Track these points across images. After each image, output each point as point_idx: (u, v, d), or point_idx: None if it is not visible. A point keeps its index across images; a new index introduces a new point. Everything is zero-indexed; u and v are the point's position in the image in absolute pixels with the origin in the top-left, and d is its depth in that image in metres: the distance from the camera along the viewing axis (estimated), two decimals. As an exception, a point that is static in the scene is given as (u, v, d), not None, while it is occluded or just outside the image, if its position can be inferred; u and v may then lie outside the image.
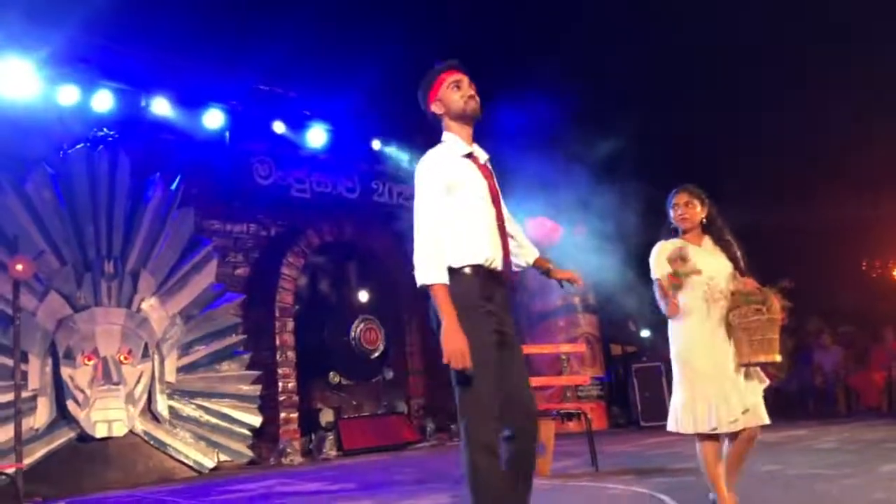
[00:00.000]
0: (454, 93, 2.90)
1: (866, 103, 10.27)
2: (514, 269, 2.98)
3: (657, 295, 3.58)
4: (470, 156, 2.91)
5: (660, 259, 3.57)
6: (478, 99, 2.92)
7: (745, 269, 3.52)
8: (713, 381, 3.35)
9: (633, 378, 11.42)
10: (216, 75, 8.83)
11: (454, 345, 2.64)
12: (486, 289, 2.78)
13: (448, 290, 2.71)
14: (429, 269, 2.73)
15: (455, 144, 2.91)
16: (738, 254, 3.55)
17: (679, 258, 3.47)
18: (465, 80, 2.92)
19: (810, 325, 11.12)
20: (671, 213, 3.63)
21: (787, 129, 10.78)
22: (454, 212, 2.81)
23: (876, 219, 12.50)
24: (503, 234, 2.89)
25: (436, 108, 2.94)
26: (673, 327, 3.54)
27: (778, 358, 3.32)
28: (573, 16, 9.68)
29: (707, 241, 3.59)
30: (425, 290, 2.74)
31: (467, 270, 2.77)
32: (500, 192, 2.95)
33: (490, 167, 2.98)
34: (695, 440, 3.47)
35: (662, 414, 12.20)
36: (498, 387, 2.74)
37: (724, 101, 10.73)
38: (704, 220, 3.60)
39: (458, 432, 2.77)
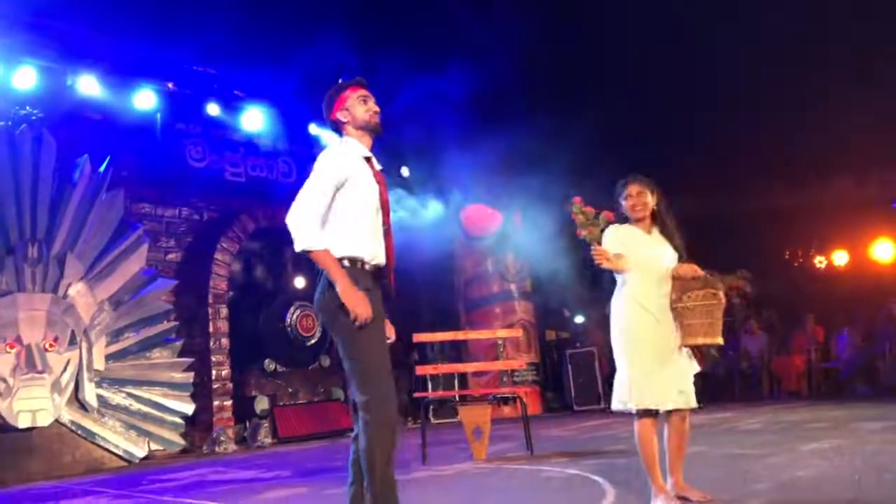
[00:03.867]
0: (362, 105, 3.14)
1: (794, 97, 10.62)
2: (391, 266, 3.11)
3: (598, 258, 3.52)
4: (368, 160, 3.12)
5: (611, 244, 3.57)
6: (379, 116, 3.17)
7: (687, 257, 3.60)
8: (656, 360, 3.43)
9: (567, 363, 11.62)
10: (148, 53, 8.56)
11: (356, 299, 2.82)
12: (364, 280, 2.95)
13: (329, 253, 2.88)
14: (309, 234, 2.89)
15: (356, 147, 3.12)
16: (681, 242, 3.64)
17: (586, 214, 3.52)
18: (372, 98, 3.18)
19: (738, 312, 11.49)
20: (623, 202, 3.67)
21: (716, 120, 11.06)
22: (345, 204, 2.99)
23: (799, 209, 12.97)
24: (387, 239, 3.07)
25: (341, 116, 3.16)
26: (617, 306, 3.59)
27: (720, 340, 3.43)
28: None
29: (655, 230, 3.67)
30: (305, 255, 2.91)
31: (346, 263, 2.93)
32: (388, 202, 3.14)
33: (383, 176, 3.17)
34: (633, 420, 3.54)
35: (595, 398, 12.55)
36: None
37: (655, 91, 10.94)
38: (654, 210, 3.67)
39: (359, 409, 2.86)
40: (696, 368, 3.54)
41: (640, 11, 10.21)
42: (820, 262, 14.22)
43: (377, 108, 3.17)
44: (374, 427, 2.81)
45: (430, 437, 6.23)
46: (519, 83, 10.77)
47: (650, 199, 3.65)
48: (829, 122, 10.65)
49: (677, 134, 10.97)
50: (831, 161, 12.26)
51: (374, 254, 3.02)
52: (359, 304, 2.82)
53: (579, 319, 13.06)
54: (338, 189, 2.99)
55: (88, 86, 8.15)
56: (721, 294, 3.41)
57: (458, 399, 6.68)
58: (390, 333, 3.14)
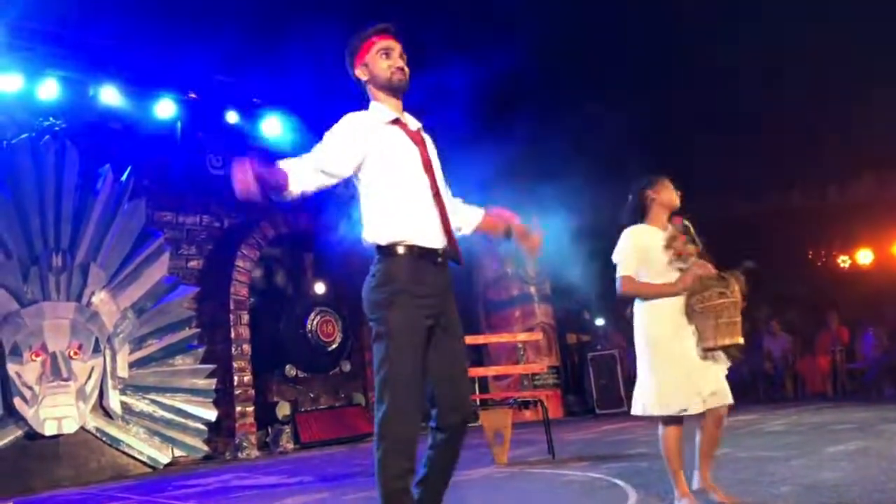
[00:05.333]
0: (383, 60, 2.69)
1: (816, 95, 10.51)
2: (453, 241, 2.72)
3: (626, 288, 3.52)
4: (397, 121, 2.71)
5: (631, 253, 3.54)
6: (407, 71, 2.71)
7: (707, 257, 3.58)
8: (682, 363, 3.40)
9: (588, 366, 11.57)
10: (168, 64, 8.65)
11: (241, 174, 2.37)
12: (418, 270, 2.58)
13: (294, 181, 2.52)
14: (303, 175, 2.55)
15: (380, 111, 2.71)
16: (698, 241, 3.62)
17: (673, 237, 3.50)
18: (398, 49, 2.71)
19: (760, 312, 11.39)
20: (655, 195, 3.64)
21: (738, 120, 10.98)
22: (378, 181, 2.62)
23: (822, 208, 12.85)
24: (440, 205, 2.67)
25: (360, 73, 2.74)
26: (642, 310, 3.55)
27: (741, 340, 3.39)
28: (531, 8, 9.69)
29: (671, 227, 3.64)
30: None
31: (400, 250, 2.57)
32: (434, 161, 2.74)
33: (424, 135, 2.77)
34: (657, 425, 3.52)
35: (617, 401, 12.48)
36: (425, 377, 2.55)
37: (677, 92, 10.88)
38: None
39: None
40: (727, 364, 3.50)
41: (663, 11, 10.13)
42: (843, 261, 14.06)
43: (401, 63, 2.70)
44: (387, 442, 2.47)
45: (452, 442, 6.22)
46: (539, 84, 10.74)
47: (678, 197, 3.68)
48: (851, 120, 10.54)
49: (699, 135, 10.90)
50: (854, 159, 12.13)
51: (428, 230, 2.62)
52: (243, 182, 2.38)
53: (600, 322, 13.00)
54: (358, 165, 2.62)
55: (110, 96, 8.25)
56: (738, 292, 3.37)
57: (478, 403, 6.66)
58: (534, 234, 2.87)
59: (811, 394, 11.24)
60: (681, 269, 3.45)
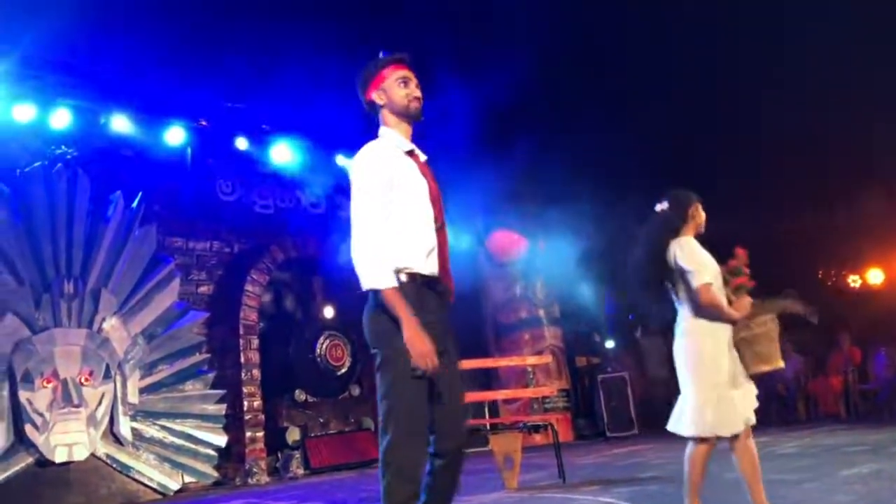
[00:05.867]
0: (401, 88, 2.77)
1: (825, 115, 10.53)
2: (450, 276, 2.78)
3: (707, 299, 3.44)
4: (411, 153, 2.77)
5: (703, 259, 3.54)
6: (422, 101, 2.80)
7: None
8: (732, 384, 3.44)
9: (598, 389, 11.52)
10: (178, 91, 8.75)
11: (422, 346, 2.46)
12: (421, 296, 2.62)
13: (399, 292, 2.54)
14: (376, 271, 2.57)
15: (395, 140, 2.77)
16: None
17: (738, 268, 3.53)
18: (415, 80, 2.80)
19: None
20: (693, 215, 3.64)
21: (746, 141, 11.01)
22: (392, 210, 2.66)
23: (831, 229, 12.81)
24: (442, 237, 2.73)
25: (377, 98, 2.80)
26: (700, 329, 3.50)
27: (782, 364, 3.45)
28: (534, 26, 9.74)
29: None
30: (372, 294, 2.60)
31: (403, 277, 2.61)
32: (440, 194, 2.78)
33: (429, 168, 2.83)
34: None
35: (628, 424, 12.38)
36: (429, 405, 2.56)
37: (685, 114, 10.92)
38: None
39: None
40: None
41: (669, 34, 10.19)
42: (854, 281, 14.00)
43: (418, 94, 2.79)
44: (392, 469, 2.48)
45: (462, 466, 6.19)
46: (544, 106, 10.80)
47: None
48: (860, 140, 10.55)
49: (707, 156, 10.93)
50: (863, 179, 12.12)
51: (430, 261, 2.68)
52: (425, 356, 2.46)
53: (609, 344, 12.96)
54: (388, 193, 2.66)
55: (121, 124, 8.35)
56: (775, 320, 3.44)
57: (488, 427, 6.64)
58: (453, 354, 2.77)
59: (824, 415, 11.15)
60: (729, 298, 3.50)
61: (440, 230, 2.73)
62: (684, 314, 3.55)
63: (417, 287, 2.63)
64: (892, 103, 9.85)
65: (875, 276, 13.77)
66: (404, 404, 2.52)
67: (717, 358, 3.46)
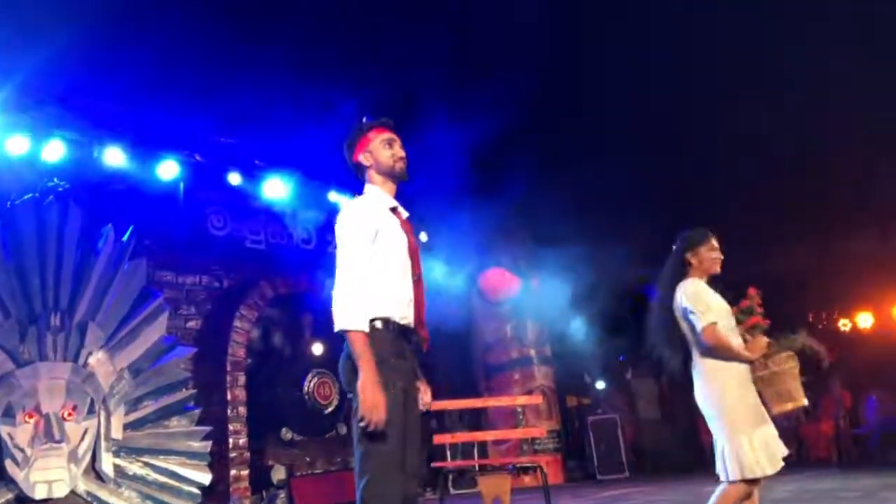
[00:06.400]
0: (386, 149, 2.95)
1: (813, 159, 10.64)
2: (424, 327, 2.90)
3: (713, 340, 3.42)
4: (394, 210, 2.95)
5: (709, 300, 3.51)
6: (406, 162, 2.99)
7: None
8: (763, 419, 3.42)
9: (588, 430, 11.42)
10: (171, 125, 8.79)
11: (373, 398, 2.55)
12: (396, 345, 2.75)
13: (367, 339, 2.65)
14: (351, 314, 2.69)
15: (379, 197, 2.95)
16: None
17: (750, 309, 3.51)
18: (399, 141, 2.99)
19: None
20: (704, 253, 3.63)
21: (735, 184, 11.09)
22: (373, 261, 2.81)
23: (821, 271, 12.87)
24: (419, 290, 2.87)
25: (364, 160, 2.98)
26: (712, 371, 3.47)
27: (804, 402, 3.42)
28: (526, 63, 9.83)
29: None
30: (342, 335, 2.72)
31: (378, 324, 2.73)
32: (417, 250, 2.95)
33: (410, 224, 3.01)
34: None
35: (618, 467, 12.28)
36: (403, 449, 2.66)
37: (672, 157, 11.01)
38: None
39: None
40: None
41: (665, 70, 10.27)
42: (844, 324, 14.03)
43: (403, 154, 2.99)
44: None
45: (450, 508, 6.11)
46: (537, 144, 10.87)
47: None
48: (850, 182, 10.65)
49: (696, 200, 10.99)
50: (852, 221, 12.21)
51: (406, 311, 2.82)
52: (373, 408, 2.55)
53: (601, 385, 12.89)
54: (372, 245, 2.82)
55: (114, 157, 8.34)
56: (795, 358, 3.42)
57: (477, 469, 6.56)
58: (426, 398, 2.94)
59: (815, 459, 11.08)
60: (744, 338, 3.48)
61: (417, 283, 2.88)
62: (697, 358, 3.52)
63: (393, 334, 2.76)
64: (889, 145, 9.96)
65: (864, 320, 13.81)
66: (381, 450, 2.61)
67: (742, 396, 3.41)
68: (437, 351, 12.16)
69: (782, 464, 3.39)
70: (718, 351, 3.41)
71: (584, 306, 10.58)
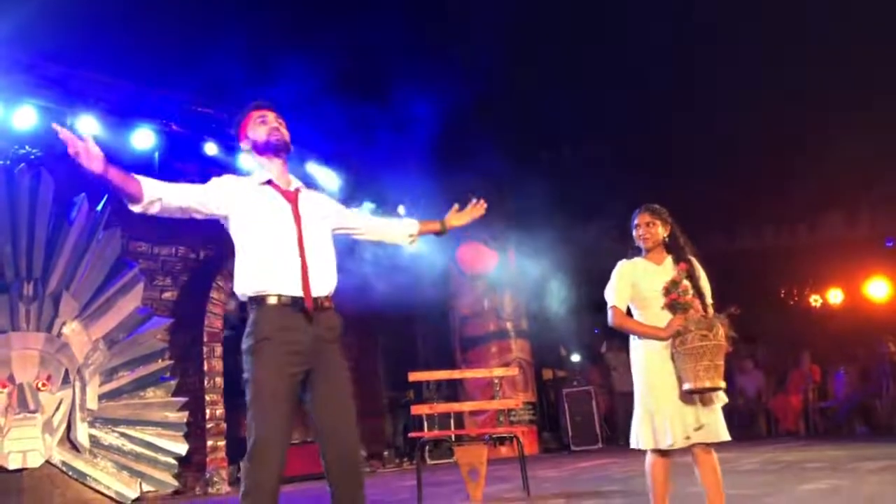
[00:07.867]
0: (260, 126, 2.98)
1: (786, 136, 10.74)
2: (323, 294, 2.85)
3: (615, 321, 3.60)
4: (269, 182, 2.94)
5: (620, 284, 3.61)
6: (283, 131, 2.98)
7: (702, 291, 3.58)
8: (670, 397, 3.43)
9: (563, 403, 11.56)
10: (146, 94, 8.64)
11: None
12: (285, 319, 2.75)
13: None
14: (165, 192, 2.98)
15: (256, 176, 3.00)
16: (698, 274, 3.63)
17: (674, 284, 3.52)
18: (271, 114, 3.00)
19: (733, 350, 11.49)
20: (633, 231, 3.72)
21: (709, 160, 11.17)
22: (240, 238, 2.88)
23: (794, 248, 13.04)
24: (303, 258, 2.81)
25: (244, 145, 3.05)
26: (638, 346, 3.59)
27: (722, 384, 3.39)
28: (509, 35, 9.78)
29: (668, 260, 3.66)
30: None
31: (266, 300, 2.77)
32: (307, 216, 2.91)
33: (304, 192, 3.00)
34: (638, 460, 3.56)
35: (593, 438, 12.44)
36: (284, 429, 2.75)
37: (649, 131, 11.06)
38: (667, 240, 3.68)
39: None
40: (722, 401, 3.52)
41: (644, 48, 10.28)
42: (815, 300, 14.25)
43: (276, 124, 2.98)
44: (247, 483, 2.73)
45: (426, 478, 6.18)
46: (515, 119, 10.86)
47: (660, 230, 3.67)
48: (821, 161, 10.76)
49: (671, 174, 11.06)
50: (824, 199, 12.36)
51: (285, 284, 2.76)
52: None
53: (576, 358, 13.02)
54: (225, 219, 2.96)
55: (88, 126, 8.20)
56: (721, 336, 3.37)
57: (454, 439, 6.62)
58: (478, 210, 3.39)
59: (784, 432, 11.31)
60: (674, 312, 3.49)
61: (302, 249, 2.83)
62: None
63: (280, 309, 2.75)
64: (853, 123, 10.07)
65: (835, 296, 14.03)
66: (260, 423, 2.78)
67: (656, 373, 3.48)
68: (414, 323, 12.21)
69: (668, 444, 3.40)
70: (623, 330, 3.60)
71: (561, 280, 10.65)
